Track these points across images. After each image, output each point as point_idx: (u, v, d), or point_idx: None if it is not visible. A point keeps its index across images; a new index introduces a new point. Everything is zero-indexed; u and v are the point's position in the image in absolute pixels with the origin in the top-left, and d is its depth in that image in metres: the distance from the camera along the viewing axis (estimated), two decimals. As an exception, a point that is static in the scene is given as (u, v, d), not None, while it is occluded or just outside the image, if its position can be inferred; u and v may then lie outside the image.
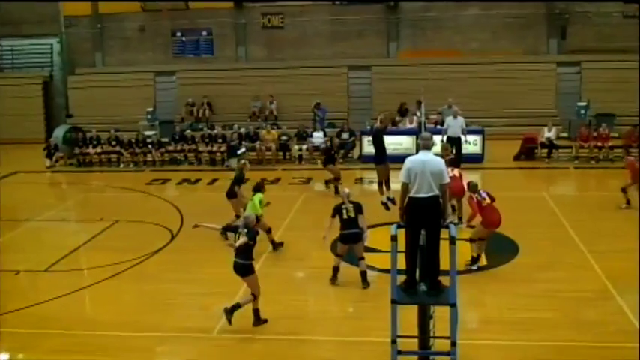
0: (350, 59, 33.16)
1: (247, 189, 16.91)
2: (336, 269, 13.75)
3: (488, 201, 14.24)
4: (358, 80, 32.77)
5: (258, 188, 15.92)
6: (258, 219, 14.82)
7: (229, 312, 11.74)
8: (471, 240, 14.38)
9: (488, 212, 14.19)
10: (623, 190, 18.52)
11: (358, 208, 13.60)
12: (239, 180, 17.03)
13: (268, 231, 15.93)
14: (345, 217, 13.54)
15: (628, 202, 18.45)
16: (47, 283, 14.52)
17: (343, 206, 13.63)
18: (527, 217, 17.94)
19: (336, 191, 20.05)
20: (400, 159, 9.42)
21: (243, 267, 11.78)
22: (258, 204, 15.51)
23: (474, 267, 14.23)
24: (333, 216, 13.68)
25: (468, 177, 23.18)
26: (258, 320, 11.97)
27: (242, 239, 11.70)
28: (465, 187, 15.08)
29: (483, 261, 14.74)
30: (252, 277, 11.86)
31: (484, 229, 14.29)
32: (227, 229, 14.43)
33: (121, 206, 21.11)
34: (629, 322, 11.72)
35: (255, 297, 11.87)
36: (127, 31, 34.97)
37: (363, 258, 13.68)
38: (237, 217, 16.52)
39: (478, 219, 14.51)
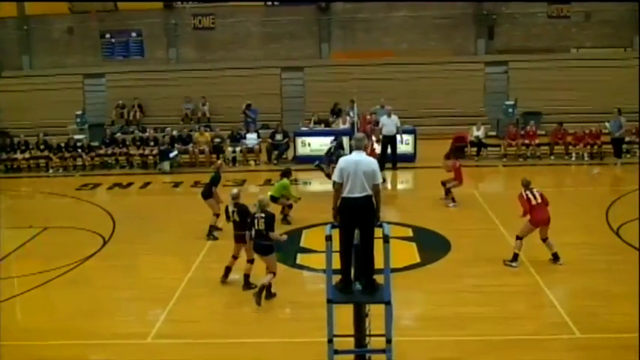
0: (282, 60, 33.21)
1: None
2: (245, 276, 13.58)
3: (539, 200, 14.24)
4: (291, 81, 32.82)
5: (285, 174, 17.40)
6: (274, 199, 16.45)
7: (258, 295, 12.55)
8: (517, 237, 14.38)
9: (537, 211, 14.19)
10: (444, 184, 19.28)
11: (243, 211, 13.40)
12: (215, 180, 17.00)
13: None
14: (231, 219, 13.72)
15: (447, 193, 19.23)
16: (-24, 293, 14.10)
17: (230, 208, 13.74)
18: (458, 215, 18.33)
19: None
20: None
21: (265, 247, 12.59)
22: (279, 187, 17.03)
23: (514, 265, 14.26)
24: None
25: (401, 176, 23.88)
26: (270, 295, 12.88)
27: (262, 223, 12.47)
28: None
29: (417, 259, 14.98)
30: (272, 257, 12.69)
31: (531, 227, 14.26)
32: (212, 229, 16.47)
33: (50, 212, 20.64)
34: (558, 315, 12.04)
35: (274, 275, 12.76)
36: (54, 33, 34.27)
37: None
38: (217, 215, 16.57)
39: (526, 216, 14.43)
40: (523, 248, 14.34)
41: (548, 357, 10.72)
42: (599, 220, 17.34)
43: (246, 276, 13.45)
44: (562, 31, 33.04)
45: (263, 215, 12.60)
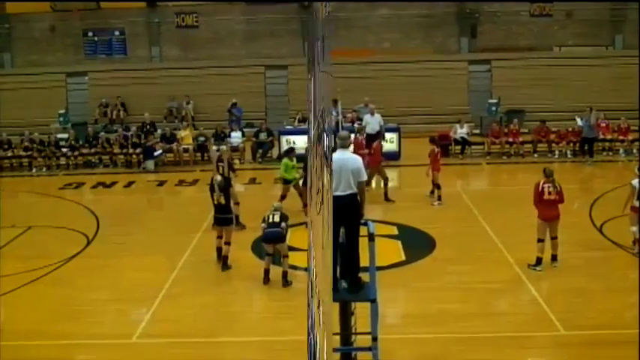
0: (266, 59, 33.16)
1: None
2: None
3: (552, 196, 13.81)
4: (275, 80, 32.74)
5: (287, 152, 18.68)
6: (287, 181, 17.91)
7: (285, 280, 13.56)
8: (538, 240, 14.01)
9: (544, 205, 13.83)
10: (438, 186, 19.09)
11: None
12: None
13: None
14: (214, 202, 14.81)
15: (433, 191, 19.29)
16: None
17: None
18: (442, 212, 18.40)
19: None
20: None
21: (280, 234, 13.76)
22: (282, 167, 18.09)
23: (538, 268, 13.94)
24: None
25: (388, 173, 23.89)
26: (287, 282, 13.68)
27: (277, 217, 13.90)
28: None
29: (402, 257, 15.03)
30: (285, 243, 13.91)
31: (540, 222, 13.92)
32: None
33: (34, 212, 20.48)
34: (542, 311, 12.14)
35: (287, 256, 13.85)
36: (36, 32, 33.97)
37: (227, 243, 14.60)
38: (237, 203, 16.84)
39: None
40: (509, 246, 14.40)
41: (533, 354, 10.83)
42: (582, 217, 17.47)
43: (225, 257, 14.50)
44: (544, 29, 33.21)
45: (278, 212, 14.08)
